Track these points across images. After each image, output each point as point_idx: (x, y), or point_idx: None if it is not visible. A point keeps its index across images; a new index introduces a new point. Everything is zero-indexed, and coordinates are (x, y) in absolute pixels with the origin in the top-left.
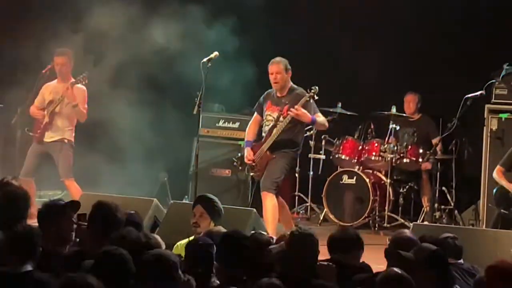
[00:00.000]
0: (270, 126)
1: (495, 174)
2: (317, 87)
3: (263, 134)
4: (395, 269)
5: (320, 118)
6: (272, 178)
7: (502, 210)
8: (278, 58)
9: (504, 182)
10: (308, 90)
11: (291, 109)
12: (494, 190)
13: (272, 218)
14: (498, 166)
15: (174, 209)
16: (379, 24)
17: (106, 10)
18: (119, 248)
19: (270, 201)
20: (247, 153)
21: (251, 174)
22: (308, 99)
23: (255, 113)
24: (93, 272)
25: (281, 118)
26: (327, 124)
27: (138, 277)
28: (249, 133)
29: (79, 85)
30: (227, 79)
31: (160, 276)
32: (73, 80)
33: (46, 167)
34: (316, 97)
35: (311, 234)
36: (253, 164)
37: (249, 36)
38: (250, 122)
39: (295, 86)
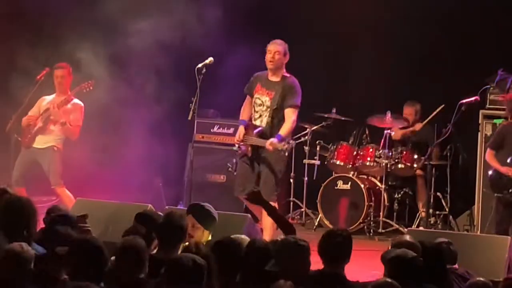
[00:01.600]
0: (257, 112)
1: (487, 157)
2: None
3: (253, 119)
4: (387, 279)
5: (283, 130)
6: (271, 185)
7: (496, 194)
8: (279, 40)
9: (495, 164)
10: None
11: (268, 146)
12: (489, 173)
13: (271, 224)
14: (488, 149)
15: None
16: (374, 29)
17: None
18: None
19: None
20: (239, 131)
21: (234, 148)
22: (283, 149)
23: (247, 96)
24: None
25: (267, 102)
26: (291, 129)
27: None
28: (243, 114)
29: (76, 101)
30: (222, 84)
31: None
32: (69, 95)
33: (38, 173)
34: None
35: (303, 245)
36: (239, 144)
37: (245, 41)
38: (244, 104)
39: (287, 74)
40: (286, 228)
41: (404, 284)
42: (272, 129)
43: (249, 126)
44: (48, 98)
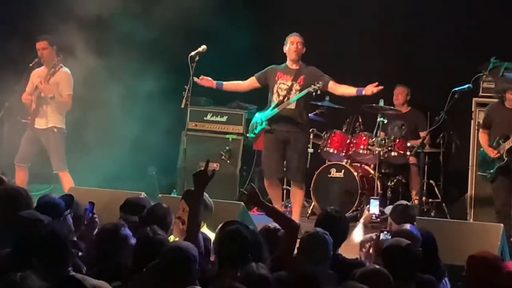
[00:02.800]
0: (286, 97)
1: (480, 139)
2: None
3: (273, 103)
4: (375, 265)
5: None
6: (299, 168)
7: (479, 173)
8: (297, 33)
9: (484, 145)
10: (316, 82)
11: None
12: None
13: (299, 206)
14: (480, 129)
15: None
16: (366, 18)
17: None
18: None
19: (302, 192)
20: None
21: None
22: (311, 90)
23: (253, 77)
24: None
25: (296, 86)
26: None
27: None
28: (231, 82)
29: (64, 69)
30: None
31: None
32: (55, 60)
33: (34, 161)
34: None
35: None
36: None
37: (240, 29)
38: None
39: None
40: (287, 226)
41: (400, 273)
42: (298, 107)
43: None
44: (39, 71)
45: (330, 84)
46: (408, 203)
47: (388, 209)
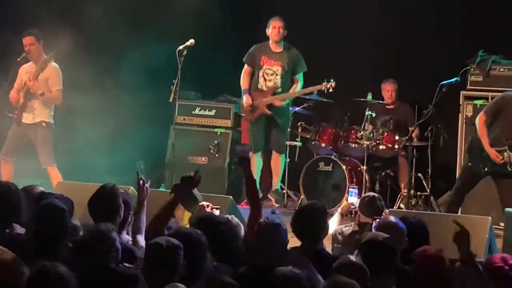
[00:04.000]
0: (271, 81)
1: (477, 121)
2: (334, 83)
3: (260, 87)
4: (349, 256)
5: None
6: (282, 140)
7: (468, 164)
8: (279, 16)
9: (485, 141)
10: (325, 80)
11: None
12: (470, 138)
13: (280, 173)
14: (481, 113)
15: (151, 197)
16: (354, 12)
17: None
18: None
19: (282, 160)
20: (246, 99)
21: (243, 114)
22: (322, 88)
23: (246, 65)
24: None
25: (280, 71)
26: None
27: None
28: (244, 83)
29: (53, 64)
30: (203, 66)
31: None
32: (45, 57)
33: (20, 156)
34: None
35: (278, 224)
36: (250, 109)
37: (226, 22)
38: (243, 73)
39: (286, 43)
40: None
41: (378, 267)
42: (284, 90)
43: (255, 94)
44: (27, 67)
45: (297, 76)
46: (376, 194)
47: (356, 202)
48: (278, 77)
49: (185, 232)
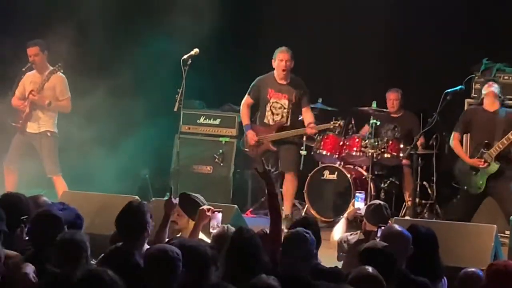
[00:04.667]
0: (279, 114)
1: (452, 142)
2: (342, 122)
3: (266, 121)
4: (368, 267)
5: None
6: (293, 160)
7: (464, 187)
8: (285, 47)
9: (461, 154)
10: (334, 119)
11: (311, 129)
12: (455, 168)
13: (291, 197)
14: (453, 133)
15: (155, 206)
16: (358, 21)
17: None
18: None
19: (294, 182)
20: (250, 135)
21: (246, 150)
22: (331, 127)
23: (247, 96)
24: None
25: (289, 104)
26: None
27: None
28: (245, 117)
29: (59, 74)
30: (207, 75)
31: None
32: (50, 68)
33: (25, 166)
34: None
35: (251, 236)
36: (256, 144)
37: (230, 32)
38: (243, 105)
39: (292, 74)
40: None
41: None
42: (292, 123)
43: (259, 128)
44: (31, 75)
45: (305, 109)
46: (382, 202)
47: (363, 209)
48: (286, 110)
49: (187, 244)
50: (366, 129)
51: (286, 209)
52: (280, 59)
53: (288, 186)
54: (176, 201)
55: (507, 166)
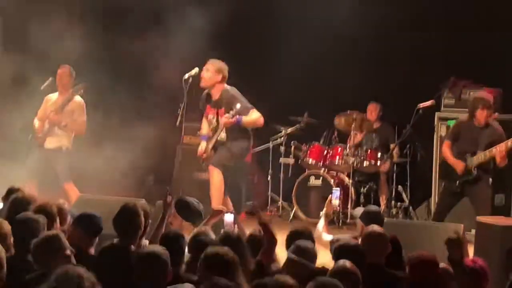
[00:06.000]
0: (213, 126)
1: (443, 149)
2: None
3: (205, 131)
4: (346, 264)
5: (248, 118)
6: (220, 158)
7: (443, 184)
8: (213, 59)
9: (447, 155)
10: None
11: (224, 119)
12: (440, 166)
13: (219, 192)
14: (445, 141)
15: (160, 208)
16: (341, 39)
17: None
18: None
19: (217, 175)
20: (201, 146)
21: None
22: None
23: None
24: None
25: (219, 119)
26: (258, 122)
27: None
28: (204, 128)
29: (77, 98)
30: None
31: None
32: (71, 90)
33: (42, 176)
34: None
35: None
36: (203, 157)
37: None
38: (203, 119)
39: (228, 87)
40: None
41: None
42: (230, 139)
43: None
44: (53, 97)
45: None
46: (377, 208)
47: (358, 212)
48: (218, 124)
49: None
50: (352, 139)
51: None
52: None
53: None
54: (169, 198)
55: (484, 174)
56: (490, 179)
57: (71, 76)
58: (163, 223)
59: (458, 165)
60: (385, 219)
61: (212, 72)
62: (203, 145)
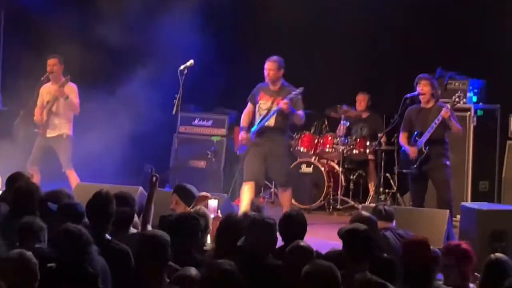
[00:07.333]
0: (263, 113)
1: (400, 140)
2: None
3: (256, 121)
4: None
5: (299, 112)
6: (284, 172)
7: (405, 170)
8: (275, 57)
9: (404, 144)
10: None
11: (283, 104)
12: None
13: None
14: (401, 133)
15: (157, 197)
16: (330, 28)
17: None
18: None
19: (289, 196)
20: (242, 135)
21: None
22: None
23: (248, 103)
24: None
25: (274, 105)
26: (302, 121)
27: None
28: (244, 120)
29: (71, 84)
30: (202, 82)
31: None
32: (63, 79)
33: (46, 163)
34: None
35: (237, 220)
36: (248, 143)
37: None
38: (244, 111)
39: (286, 83)
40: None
41: (357, 254)
42: (277, 123)
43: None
44: (47, 87)
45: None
46: (385, 204)
47: (364, 210)
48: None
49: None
50: (341, 128)
51: None
52: (265, 68)
53: (283, 201)
54: (154, 179)
55: (436, 150)
56: (448, 162)
57: (60, 65)
58: (151, 203)
59: (411, 150)
60: (372, 204)
61: (275, 71)
62: (244, 133)
